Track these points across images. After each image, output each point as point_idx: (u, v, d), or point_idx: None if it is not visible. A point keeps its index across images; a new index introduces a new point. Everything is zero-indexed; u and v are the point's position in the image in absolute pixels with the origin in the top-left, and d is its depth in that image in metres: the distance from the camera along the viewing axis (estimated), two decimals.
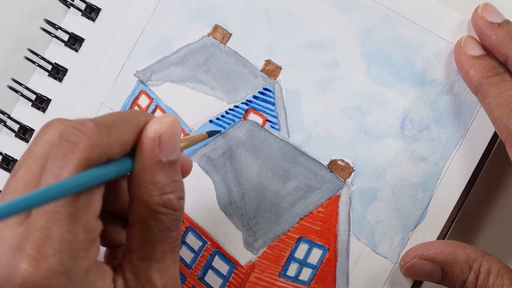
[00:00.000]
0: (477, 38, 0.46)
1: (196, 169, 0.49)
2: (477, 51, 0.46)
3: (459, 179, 0.48)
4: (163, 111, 0.50)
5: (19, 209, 0.30)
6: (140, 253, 0.37)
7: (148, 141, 0.36)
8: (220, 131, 0.49)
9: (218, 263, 0.49)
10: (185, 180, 0.49)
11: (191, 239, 0.49)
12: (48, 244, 0.32)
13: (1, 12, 0.54)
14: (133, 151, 0.36)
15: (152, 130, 0.36)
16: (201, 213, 0.49)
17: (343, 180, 0.48)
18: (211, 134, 0.48)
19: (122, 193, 0.40)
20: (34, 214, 0.33)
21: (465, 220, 0.51)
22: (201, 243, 0.49)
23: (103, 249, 0.43)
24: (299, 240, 0.48)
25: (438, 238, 0.48)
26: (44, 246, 0.32)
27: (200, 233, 0.49)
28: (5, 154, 0.52)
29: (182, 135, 0.50)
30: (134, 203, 0.36)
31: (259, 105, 0.49)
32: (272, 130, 0.49)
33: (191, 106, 0.50)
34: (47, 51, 0.51)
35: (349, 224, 0.48)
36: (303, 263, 0.48)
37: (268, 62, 0.49)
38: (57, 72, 0.51)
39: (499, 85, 0.44)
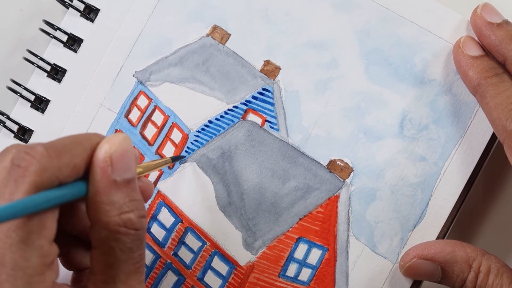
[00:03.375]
0: (476, 39, 0.47)
1: (195, 169, 0.50)
2: (476, 51, 0.46)
3: (458, 179, 0.48)
4: (162, 111, 0.50)
5: None
6: (103, 275, 0.37)
7: (99, 162, 0.36)
8: (185, 156, 0.50)
9: (217, 263, 0.49)
10: (184, 180, 0.49)
11: (190, 239, 0.49)
12: (2, 270, 0.33)
13: (1, 12, 0.54)
14: (87, 174, 0.37)
15: (102, 151, 0.36)
16: (200, 214, 0.49)
17: (342, 180, 0.49)
18: (175, 159, 0.48)
19: (83, 217, 0.41)
20: None
21: (464, 219, 0.51)
22: (200, 244, 0.49)
23: (69, 273, 0.43)
24: (298, 240, 0.48)
25: (438, 238, 0.48)
26: None
27: (199, 234, 0.49)
28: None
29: (140, 158, 0.49)
30: (94, 225, 0.37)
31: (258, 105, 0.50)
32: (271, 131, 0.49)
33: (190, 106, 0.50)
34: (46, 52, 0.52)
35: (348, 224, 0.49)
36: (302, 263, 0.49)
37: (267, 62, 0.50)
38: (56, 72, 0.51)
39: (498, 85, 0.44)
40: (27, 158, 0.34)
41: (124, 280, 0.37)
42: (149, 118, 0.51)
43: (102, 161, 0.36)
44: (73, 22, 0.52)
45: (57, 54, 0.52)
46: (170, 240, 0.50)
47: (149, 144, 0.50)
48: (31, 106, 0.52)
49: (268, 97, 0.50)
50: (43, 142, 0.35)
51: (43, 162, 0.34)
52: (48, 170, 0.34)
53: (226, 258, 0.49)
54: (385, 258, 0.49)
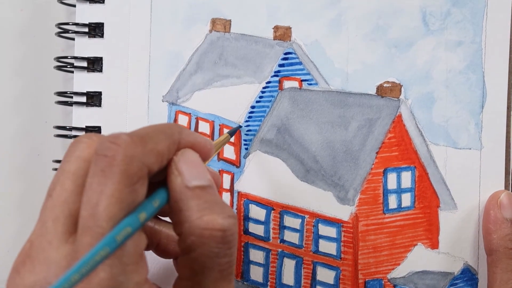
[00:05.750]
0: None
1: (261, 156, 0.50)
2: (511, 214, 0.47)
3: (501, 46, 0.49)
4: (205, 120, 0.50)
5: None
6: (189, 281, 0.36)
7: (171, 171, 0.36)
8: (239, 125, 0.50)
9: (324, 229, 0.49)
10: (256, 171, 0.49)
11: (289, 220, 0.49)
12: None
13: (1, 12, 0.55)
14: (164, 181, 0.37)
15: (175, 161, 0.37)
16: (285, 193, 0.50)
17: (396, 99, 0.49)
18: (232, 132, 0.49)
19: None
20: (80, 232, 0.33)
21: None
22: (300, 220, 0.49)
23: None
24: (385, 172, 0.49)
25: (507, 109, 0.48)
26: None
27: (295, 211, 0.49)
28: None
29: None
30: (179, 234, 0.36)
31: (288, 70, 0.50)
32: (311, 87, 0.50)
33: (228, 102, 0.50)
34: (73, 118, 0.51)
35: (422, 135, 0.49)
36: (399, 191, 0.49)
37: (276, 28, 0.50)
38: (91, 132, 0.51)
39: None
40: (112, 147, 0.33)
41: (210, 287, 0.36)
42: (196, 131, 0.51)
43: (172, 170, 0.36)
44: (84, 80, 0.51)
45: (84, 116, 0.51)
46: (271, 230, 0.50)
47: None
48: None
49: (293, 58, 0.50)
50: (125, 132, 0.35)
51: (129, 150, 0.33)
52: (135, 158, 0.33)
53: (329, 221, 0.49)
54: (470, 148, 0.49)
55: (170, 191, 0.36)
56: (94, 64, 0.51)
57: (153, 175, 0.36)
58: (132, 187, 0.33)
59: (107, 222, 0.32)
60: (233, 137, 0.50)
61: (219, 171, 0.50)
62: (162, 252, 0.43)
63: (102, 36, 0.51)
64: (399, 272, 0.49)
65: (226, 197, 0.50)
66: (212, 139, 0.50)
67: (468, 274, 0.49)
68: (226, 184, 0.50)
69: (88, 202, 0.33)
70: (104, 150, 0.33)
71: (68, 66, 0.51)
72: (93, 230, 0.32)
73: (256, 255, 0.50)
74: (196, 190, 0.36)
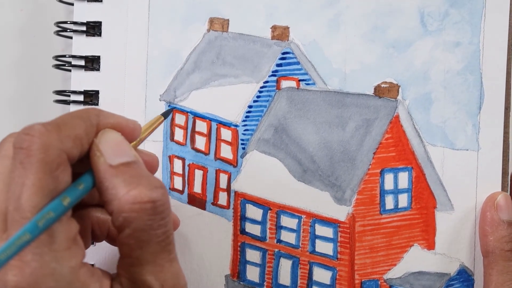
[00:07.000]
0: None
1: (258, 156, 0.50)
2: (509, 216, 0.47)
3: (499, 48, 0.49)
4: (202, 119, 0.51)
5: None
6: (130, 258, 0.37)
7: (92, 153, 0.37)
8: (174, 107, 0.50)
9: (321, 229, 0.49)
10: (253, 171, 0.49)
11: (286, 220, 0.50)
12: (27, 250, 0.33)
13: (1, 12, 0.56)
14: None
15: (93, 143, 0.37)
16: (282, 193, 0.50)
17: (394, 99, 0.49)
18: (166, 114, 0.48)
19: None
20: (9, 227, 0.34)
21: None
22: (296, 220, 0.49)
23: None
24: (382, 173, 0.49)
25: (505, 110, 0.48)
26: (23, 253, 0.33)
27: (291, 211, 0.50)
28: None
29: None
30: (111, 214, 0.36)
31: (285, 70, 0.50)
32: (308, 87, 0.50)
33: (225, 102, 0.50)
34: None
35: (419, 136, 0.49)
36: (396, 192, 0.49)
37: (274, 28, 0.50)
38: None
39: (508, 263, 0.46)
40: (27, 138, 0.34)
41: (151, 260, 0.36)
42: (194, 131, 0.51)
43: (94, 152, 0.37)
44: (81, 78, 0.51)
45: None
46: (268, 230, 0.50)
47: (205, 154, 0.51)
48: None
49: (291, 58, 0.50)
50: (40, 122, 0.35)
51: (44, 138, 0.34)
52: (51, 146, 0.34)
53: (326, 221, 0.49)
54: (467, 150, 0.49)
55: (94, 172, 0.37)
56: (92, 63, 0.51)
57: (82, 165, 0.36)
58: (52, 174, 0.34)
59: (31, 212, 0.33)
60: (231, 136, 0.50)
61: (216, 170, 0.50)
62: (114, 240, 0.43)
63: (100, 35, 0.51)
64: (395, 272, 0.49)
65: (223, 196, 0.50)
66: (209, 138, 0.51)
67: (464, 275, 0.49)
68: (223, 184, 0.50)
69: (12, 197, 0.34)
70: (19, 142, 0.34)
71: (66, 65, 0.51)
72: (19, 222, 0.33)
73: (253, 255, 0.50)
74: (120, 167, 0.36)
